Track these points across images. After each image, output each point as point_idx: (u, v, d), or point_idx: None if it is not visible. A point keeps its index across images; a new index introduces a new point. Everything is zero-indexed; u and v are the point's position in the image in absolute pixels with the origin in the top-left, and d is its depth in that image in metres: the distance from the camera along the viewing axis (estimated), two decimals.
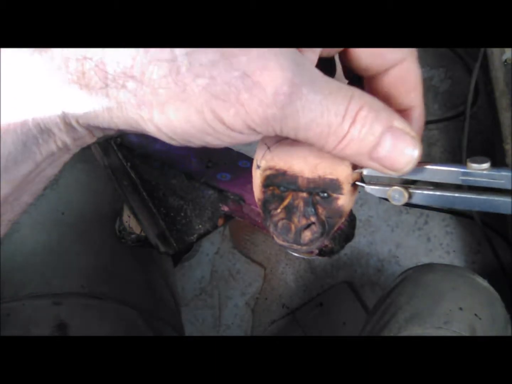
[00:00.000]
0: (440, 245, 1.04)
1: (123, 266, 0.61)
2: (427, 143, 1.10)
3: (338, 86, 0.21)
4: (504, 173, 0.22)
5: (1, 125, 0.21)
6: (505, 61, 0.73)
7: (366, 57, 0.23)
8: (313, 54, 0.23)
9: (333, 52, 0.24)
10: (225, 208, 0.45)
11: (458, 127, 1.07)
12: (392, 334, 0.49)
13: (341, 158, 0.23)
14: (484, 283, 0.54)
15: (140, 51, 0.19)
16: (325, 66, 0.25)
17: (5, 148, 0.21)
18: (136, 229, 0.54)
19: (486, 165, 0.22)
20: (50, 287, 0.55)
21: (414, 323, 0.49)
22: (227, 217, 0.47)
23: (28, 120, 0.21)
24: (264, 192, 0.27)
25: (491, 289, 0.53)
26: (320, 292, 1.05)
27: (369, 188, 0.26)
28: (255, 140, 0.23)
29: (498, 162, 0.77)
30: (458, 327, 0.47)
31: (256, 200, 0.28)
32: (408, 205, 0.27)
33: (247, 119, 0.20)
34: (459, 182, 0.24)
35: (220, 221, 0.47)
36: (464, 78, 1.12)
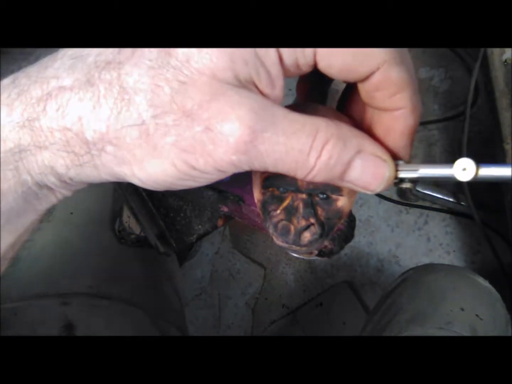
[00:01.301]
0: (440, 245, 1.04)
1: (130, 266, 0.61)
2: (427, 143, 1.10)
3: (303, 123, 0.22)
4: (495, 177, 0.22)
5: (1, 186, 0.22)
6: (505, 61, 0.73)
7: (337, 73, 0.23)
8: (277, 90, 0.23)
9: (306, 68, 0.24)
10: (225, 209, 0.45)
11: (458, 127, 1.07)
12: (393, 335, 0.49)
13: None
14: (485, 283, 0.53)
15: (112, 117, 0.21)
16: (321, 77, 0.25)
17: (7, 204, 0.23)
18: (136, 229, 0.54)
19: (472, 176, 0.22)
20: (58, 287, 0.55)
21: (415, 324, 0.49)
22: (227, 218, 0.47)
23: (27, 180, 0.23)
24: (263, 193, 0.27)
25: (492, 289, 0.53)
26: (320, 292, 1.05)
27: None
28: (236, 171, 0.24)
29: (498, 162, 0.77)
30: (459, 328, 0.47)
31: (256, 201, 0.28)
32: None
33: (216, 165, 0.22)
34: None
35: (220, 222, 0.47)
36: (464, 78, 1.11)
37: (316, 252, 0.38)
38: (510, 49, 0.72)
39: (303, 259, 1.08)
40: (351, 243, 0.57)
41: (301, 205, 0.26)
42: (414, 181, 0.25)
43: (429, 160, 1.08)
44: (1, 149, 0.22)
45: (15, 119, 0.22)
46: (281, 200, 0.27)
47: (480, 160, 0.22)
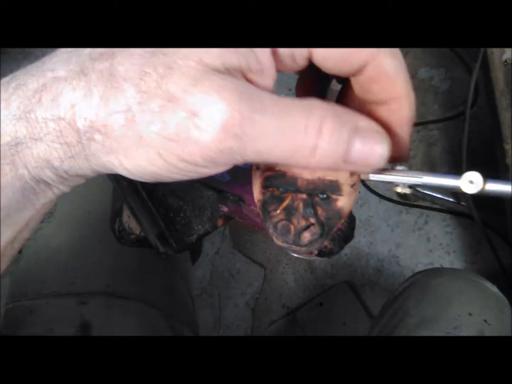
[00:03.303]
0: (440, 245, 1.04)
1: (146, 266, 0.61)
2: (427, 143, 1.10)
3: (294, 104, 0.22)
4: (498, 193, 0.22)
5: (1, 180, 0.23)
6: (505, 61, 0.73)
7: (332, 65, 0.23)
8: (267, 79, 0.23)
9: (303, 63, 0.24)
10: (225, 209, 0.45)
11: (458, 127, 1.07)
12: None
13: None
14: (493, 288, 0.53)
15: (101, 105, 0.21)
16: (320, 76, 0.25)
17: (5, 198, 0.23)
18: (136, 229, 0.54)
19: (480, 189, 0.22)
20: (75, 286, 0.56)
21: (422, 328, 0.48)
22: (227, 218, 0.47)
23: (24, 174, 0.23)
24: (263, 193, 0.27)
25: (500, 294, 0.53)
26: (320, 292, 1.05)
27: (373, 178, 0.26)
28: (225, 170, 0.24)
29: (498, 162, 0.77)
30: (467, 333, 0.47)
31: (256, 201, 0.28)
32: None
33: (203, 154, 0.21)
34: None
35: (220, 222, 0.47)
36: (464, 78, 1.11)
37: (316, 252, 0.38)
38: (510, 49, 0.72)
39: (303, 259, 1.08)
40: (351, 243, 0.57)
41: (301, 205, 0.26)
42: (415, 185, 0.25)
43: (429, 160, 1.08)
44: (1, 143, 0.22)
45: (12, 112, 0.22)
46: (281, 200, 0.27)
47: (480, 160, 0.22)
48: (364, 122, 0.23)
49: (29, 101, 0.22)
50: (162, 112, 0.21)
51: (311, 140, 0.21)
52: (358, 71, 0.24)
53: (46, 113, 0.22)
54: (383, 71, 0.23)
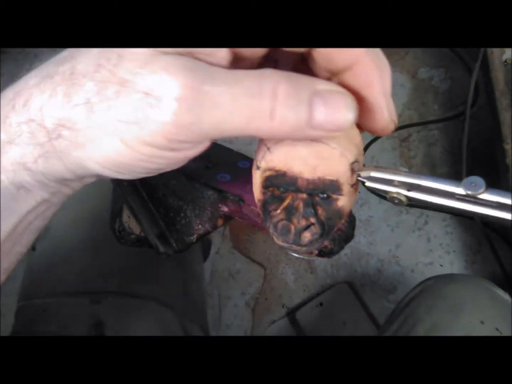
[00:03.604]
0: (440, 245, 1.04)
1: (160, 266, 0.61)
2: (427, 143, 1.10)
3: (245, 73, 0.22)
4: (499, 200, 0.22)
5: None
6: (505, 61, 0.73)
7: (323, 60, 0.24)
8: (219, 60, 0.23)
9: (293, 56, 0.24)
10: (225, 209, 0.45)
11: (458, 127, 1.07)
12: None
13: (285, 139, 0.24)
14: (505, 296, 0.53)
15: (65, 102, 0.22)
16: None
17: None
18: (136, 229, 0.54)
19: (481, 191, 0.22)
20: (88, 285, 0.56)
21: (433, 335, 0.48)
22: (227, 218, 0.47)
23: (4, 179, 0.24)
24: (263, 193, 0.27)
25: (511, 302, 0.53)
26: (320, 292, 1.05)
27: (370, 184, 0.26)
28: (195, 154, 0.24)
29: (498, 162, 0.77)
30: None
31: (256, 201, 0.28)
32: (408, 205, 0.27)
33: (164, 133, 0.21)
34: (454, 201, 0.23)
35: (220, 222, 0.47)
36: (464, 78, 1.11)
37: (316, 252, 0.38)
38: (510, 49, 0.72)
39: (303, 259, 1.07)
40: (351, 243, 0.57)
41: (301, 205, 0.26)
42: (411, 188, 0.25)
43: (429, 160, 1.08)
44: None
45: None
46: (281, 199, 0.27)
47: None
48: (323, 84, 0.22)
49: (5, 109, 0.23)
50: (117, 97, 0.21)
51: (266, 104, 0.21)
52: (345, 70, 0.24)
53: (19, 118, 0.23)
54: (363, 75, 0.23)
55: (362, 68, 0.23)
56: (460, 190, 0.23)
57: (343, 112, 0.22)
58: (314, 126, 0.22)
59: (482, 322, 0.48)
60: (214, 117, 0.21)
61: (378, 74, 0.24)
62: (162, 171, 0.24)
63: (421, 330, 0.49)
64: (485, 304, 0.51)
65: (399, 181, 0.25)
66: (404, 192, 0.25)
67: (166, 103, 0.21)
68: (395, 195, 0.25)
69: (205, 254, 1.00)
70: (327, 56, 0.24)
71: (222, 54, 0.23)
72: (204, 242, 0.95)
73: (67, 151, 0.23)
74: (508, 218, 0.22)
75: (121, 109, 0.21)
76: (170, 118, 0.21)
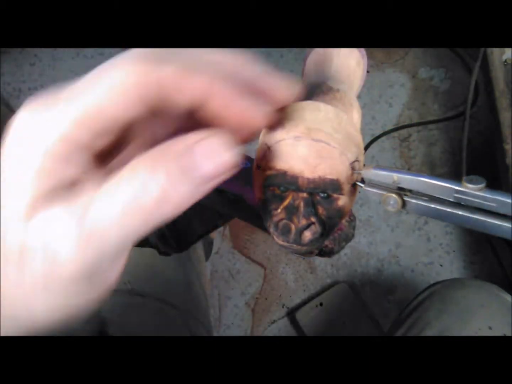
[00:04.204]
0: (440, 245, 1.04)
1: (165, 265, 0.61)
2: (427, 143, 1.10)
3: (117, 185, 0.20)
4: (498, 197, 0.22)
5: None
6: (505, 61, 0.73)
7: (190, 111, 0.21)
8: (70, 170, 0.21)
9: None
10: (225, 208, 0.45)
11: (458, 127, 1.07)
12: None
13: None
14: None
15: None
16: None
17: None
18: None
19: (481, 186, 0.22)
20: None
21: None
22: (227, 218, 0.47)
23: None
24: (264, 192, 0.27)
25: None
26: (320, 292, 1.05)
27: (367, 189, 0.26)
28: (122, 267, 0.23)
29: (498, 162, 0.77)
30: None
31: (257, 200, 0.28)
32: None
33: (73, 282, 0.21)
34: (452, 199, 0.23)
35: (220, 222, 0.47)
36: (464, 78, 1.12)
37: (316, 251, 0.38)
38: (510, 49, 0.72)
39: (303, 258, 1.08)
40: (351, 243, 0.57)
41: (301, 204, 0.26)
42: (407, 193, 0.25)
43: (429, 160, 1.08)
44: None
45: None
46: (281, 199, 0.27)
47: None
48: (191, 139, 0.20)
49: None
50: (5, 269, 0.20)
51: (155, 198, 0.20)
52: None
53: None
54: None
55: (211, 99, 0.21)
56: (460, 186, 0.23)
57: (223, 154, 0.20)
58: (212, 177, 0.21)
59: (490, 328, 0.48)
60: (114, 245, 0.21)
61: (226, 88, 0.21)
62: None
63: (430, 334, 0.49)
64: (494, 310, 0.51)
65: (398, 182, 0.25)
66: (399, 196, 0.25)
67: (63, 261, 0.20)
68: (392, 196, 0.25)
69: (207, 254, 1.00)
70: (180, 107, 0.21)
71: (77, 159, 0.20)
72: (206, 241, 0.95)
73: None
74: (507, 225, 0.22)
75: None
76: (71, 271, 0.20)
